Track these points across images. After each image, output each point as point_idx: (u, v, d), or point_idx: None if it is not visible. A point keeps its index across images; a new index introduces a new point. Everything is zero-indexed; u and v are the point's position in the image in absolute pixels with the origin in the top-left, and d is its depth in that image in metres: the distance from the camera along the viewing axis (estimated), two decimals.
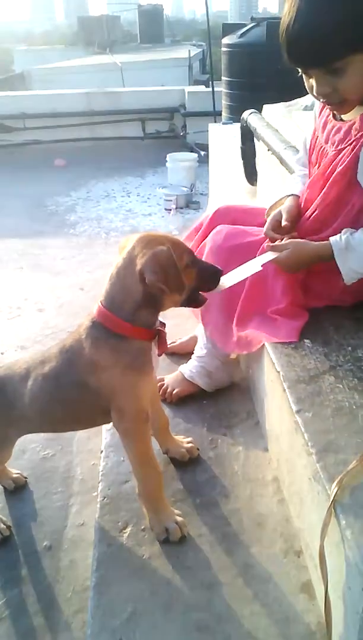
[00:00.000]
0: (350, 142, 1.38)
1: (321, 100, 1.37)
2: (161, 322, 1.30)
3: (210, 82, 6.51)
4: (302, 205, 1.58)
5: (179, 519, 1.32)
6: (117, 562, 1.28)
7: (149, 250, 1.18)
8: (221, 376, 1.74)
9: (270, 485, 1.43)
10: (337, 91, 1.29)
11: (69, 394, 1.31)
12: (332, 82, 1.27)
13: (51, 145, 6.66)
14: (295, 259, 1.46)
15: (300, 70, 1.31)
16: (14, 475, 1.69)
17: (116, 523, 1.37)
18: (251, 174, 3.15)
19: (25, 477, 1.73)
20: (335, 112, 1.43)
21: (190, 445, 1.52)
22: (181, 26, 48.35)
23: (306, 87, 1.36)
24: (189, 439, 1.54)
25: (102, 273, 3.48)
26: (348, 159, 1.38)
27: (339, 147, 1.41)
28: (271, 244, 1.50)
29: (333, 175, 1.43)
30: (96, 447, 1.70)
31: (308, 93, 1.38)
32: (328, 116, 1.48)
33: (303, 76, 1.34)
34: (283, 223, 1.53)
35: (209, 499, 1.40)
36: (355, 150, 1.36)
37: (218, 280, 1.35)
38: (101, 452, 1.60)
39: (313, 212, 1.52)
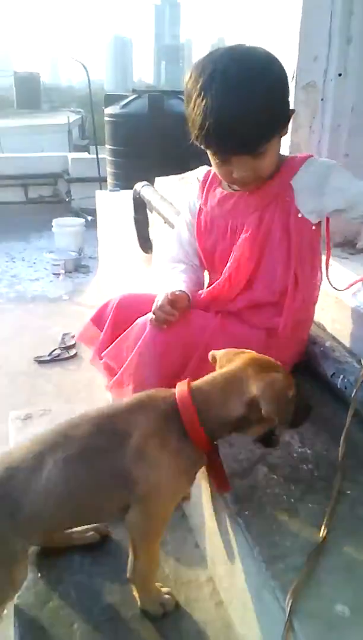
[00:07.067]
0: (275, 197, 1.41)
1: (237, 181, 1.40)
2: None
3: (94, 149, 6.61)
4: (229, 280, 1.51)
5: (166, 589, 1.27)
6: None
7: (266, 376, 1.09)
8: None
9: (205, 586, 1.33)
10: (254, 171, 1.36)
11: (102, 480, 1.13)
12: (253, 164, 1.33)
13: None
14: None
15: (217, 159, 1.36)
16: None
17: None
18: (145, 243, 3.16)
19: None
20: (243, 189, 1.45)
21: None
22: (58, 93, 49.11)
23: (220, 173, 1.41)
24: None
25: None
26: (284, 210, 1.41)
27: (262, 206, 1.43)
28: None
29: (271, 232, 1.42)
30: None
31: (197, 167, 1.45)
32: (221, 193, 1.51)
33: (216, 164, 1.38)
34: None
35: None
36: (284, 200, 1.40)
37: (308, 417, 1.23)
38: None
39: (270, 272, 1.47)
